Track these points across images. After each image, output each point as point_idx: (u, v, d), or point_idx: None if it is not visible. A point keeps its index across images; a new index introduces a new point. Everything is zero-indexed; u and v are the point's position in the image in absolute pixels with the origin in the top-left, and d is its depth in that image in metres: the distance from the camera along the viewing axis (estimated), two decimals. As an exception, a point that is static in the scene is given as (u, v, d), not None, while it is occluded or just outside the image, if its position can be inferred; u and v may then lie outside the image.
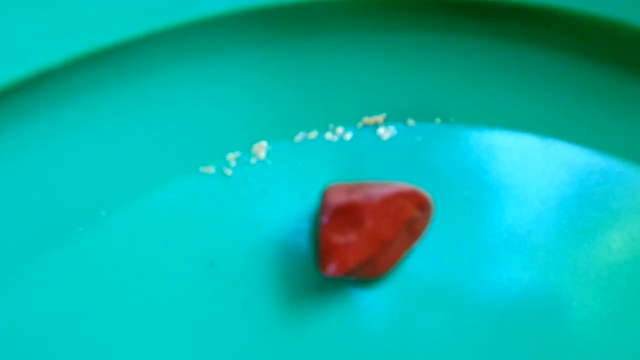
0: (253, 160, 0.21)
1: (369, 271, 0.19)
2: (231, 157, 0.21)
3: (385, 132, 0.22)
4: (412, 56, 0.23)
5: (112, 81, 0.21)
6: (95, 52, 0.20)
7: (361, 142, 0.22)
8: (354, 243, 0.18)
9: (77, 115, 0.21)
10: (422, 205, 0.19)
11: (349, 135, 0.22)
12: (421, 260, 0.20)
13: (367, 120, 0.22)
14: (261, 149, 0.21)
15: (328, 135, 0.22)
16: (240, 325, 0.19)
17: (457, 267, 0.20)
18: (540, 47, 0.22)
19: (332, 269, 0.18)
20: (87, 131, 0.21)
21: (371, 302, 0.19)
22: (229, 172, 0.21)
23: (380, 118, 0.22)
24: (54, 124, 0.21)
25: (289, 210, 0.20)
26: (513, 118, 0.22)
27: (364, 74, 0.22)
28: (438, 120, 0.22)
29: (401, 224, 0.18)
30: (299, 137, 0.22)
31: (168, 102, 0.22)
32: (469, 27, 0.22)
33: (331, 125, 0.22)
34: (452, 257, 0.20)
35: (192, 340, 0.18)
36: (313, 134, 0.22)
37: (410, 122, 0.22)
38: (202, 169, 0.21)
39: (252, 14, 0.22)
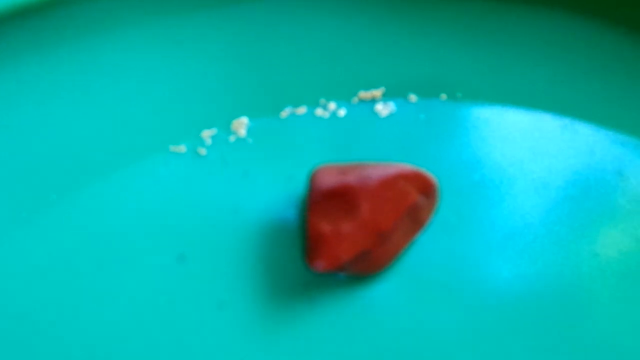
0: (232, 138, 0.21)
1: (365, 266, 0.18)
2: (206, 134, 0.21)
3: (383, 109, 0.21)
4: (414, 22, 0.22)
5: (67, 42, 0.21)
6: (47, 4, 0.20)
7: (356, 120, 0.21)
8: (347, 233, 0.17)
9: (26, 81, 0.20)
10: (426, 189, 0.18)
11: (342, 112, 0.21)
12: (424, 254, 0.19)
13: (363, 94, 0.21)
14: (241, 125, 0.21)
15: (319, 111, 0.21)
16: (215, 328, 0.18)
17: (464, 262, 0.19)
18: (564, 13, 0.22)
19: (321, 263, 0.17)
20: (38, 102, 0.20)
21: (366, 302, 0.18)
22: (203, 151, 0.21)
23: (378, 92, 0.21)
24: (2, 94, 0.20)
25: (273, 195, 0.20)
26: (527, 94, 0.21)
27: (360, 42, 0.22)
28: (443, 96, 0.21)
29: (402, 211, 0.17)
30: (285, 113, 0.21)
31: (133, 69, 0.21)
32: None
33: (322, 100, 0.21)
34: (460, 250, 0.19)
35: (159, 345, 0.18)
36: (301, 110, 0.21)
37: (412, 97, 0.21)
38: (173, 148, 0.21)
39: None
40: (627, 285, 0.18)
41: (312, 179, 0.18)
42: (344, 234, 0.17)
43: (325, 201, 0.17)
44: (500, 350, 0.17)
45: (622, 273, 0.18)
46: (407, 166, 0.18)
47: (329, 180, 0.17)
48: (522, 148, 0.20)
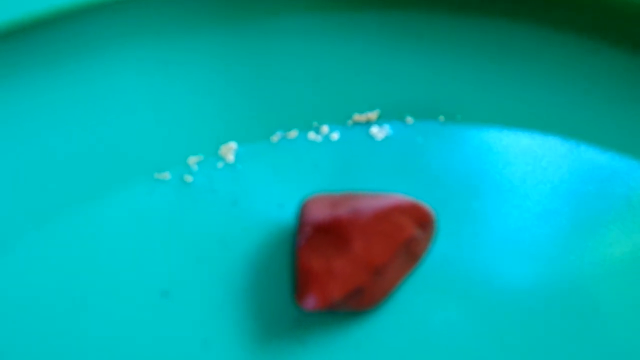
0: (220, 165, 0.21)
1: (357, 303, 0.17)
2: (193, 160, 0.21)
3: (379, 132, 0.21)
4: (411, 43, 0.22)
5: (51, 66, 0.21)
6: (28, 26, 0.20)
7: (351, 144, 0.21)
8: (338, 270, 0.17)
9: (4, 106, 0.20)
10: (423, 222, 0.18)
11: (336, 135, 0.21)
12: (420, 288, 0.19)
13: (358, 117, 0.21)
14: (230, 151, 0.21)
15: (311, 135, 0.21)
16: None
17: (463, 299, 0.19)
18: (568, 35, 0.22)
19: (311, 301, 0.17)
20: (17, 127, 0.20)
21: (359, 341, 0.18)
22: (189, 178, 0.20)
23: (373, 115, 0.21)
24: None
25: (262, 225, 0.19)
26: (529, 116, 0.21)
27: (354, 62, 0.22)
28: (441, 118, 0.21)
29: (397, 245, 0.17)
30: (275, 137, 0.21)
31: (117, 94, 0.21)
32: (478, 7, 0.22)
33: (315, 123, 0.21)
34: (458, 284, 0.19)
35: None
36: (293, 134, 0.21)
37: (409, 120, 0.21)
38: (157, 175, 0.20)
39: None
40: (635, 285, 0.18)
41: (303, 212, 0.18)
42: (335, 271, 0.17)
43: (316, 236, 0.17)
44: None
45: (630, 274, 0.19)
46: (402, 197, 0.18)
47: (319, 214, 0.17)
48: (525, 172, 0.20)
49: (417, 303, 0.18)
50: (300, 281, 0.17)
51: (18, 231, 0.19)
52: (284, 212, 0.19)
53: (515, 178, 0.20)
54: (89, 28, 0.20)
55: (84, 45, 0.20)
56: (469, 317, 0.18)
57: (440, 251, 0.19)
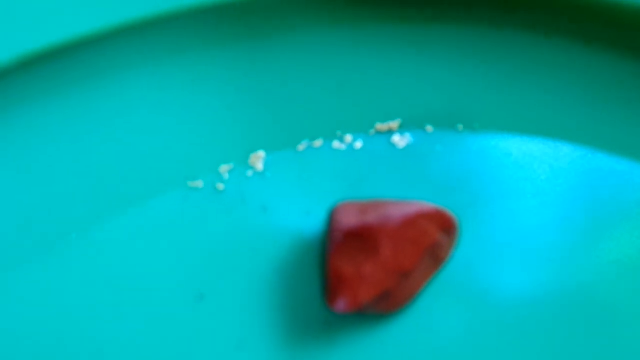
0: (249, 173, 0.21)
1: (384, 306, 0.18)
2: (224, 169, 0.21)
3: (400, 140, 0.21)
4: (431, 53, 0.22)
5: (86, 82, 0.21)
6: (68, 47, 0.20)
7: (373, 152, 0.21)
8: (368, 274, 0.17)
9: (46, 118, 0.20)
10: (447, 227, 0.18)
11: (359, 144, 0.21)
12: (444, 290, 0.19)
13: (380, 126, 0.22)
14: (259, 159, 0.21)
15: (336, 144, 0.21)
16: None
17: (485, 298, 0.19)
18: (584, 43, 0.22)
19: (342, 304, 0.17)
20: (54, 138, 0.21)
21: (385, 341, 0.19)
22: (221, 186, 0.21)
23: (394, 124, 0.22)
24: (17, 128, 0.20)
25: (291, 231, 0.20)
26: (547, 124, 0.21)
27: (376, 74, 0.22)
28: (460, 126, 0.22)
29: (423, 250, 0.18)
30: (302, 146, 0.21)
31: (150, 105, 0.21)
32: (497, 17, 0.22)
33: (339, 133, 0.21)
34: (480, 286, 0.19)
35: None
36: (318, 143, 0.21)
37: (429, 128, 0.22)
38: (191, 184, 0.21)
39: (248, 3, 0.21)
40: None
41: (332, 218, 0.18)
42: (365, 276, 0.17)
43: (346, 242, 0.17)
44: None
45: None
46: (427, 204, 0.18)
47: (349, 221, 0.18)
48: (543, 180, 0.21)
49: (440, 306, 0.19)
50: (332, 285, 0.17)
51: (57, 239, 0.19)
52: (311, 219, 0.20)
53: (532, 184, 0.21)
54: (121, 49, 0.21)
55: (118, 64, 0.21)
56: (489, 320, 0.19)
57: (461, 256, 0.19)
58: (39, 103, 0.20)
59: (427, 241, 0.18)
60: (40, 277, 0.19)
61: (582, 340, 0.18)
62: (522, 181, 0.21)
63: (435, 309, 0.19)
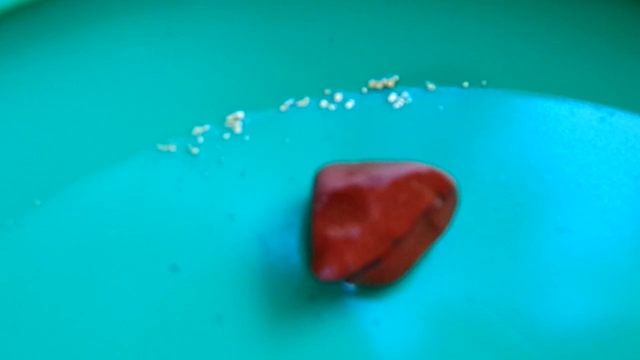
0: (226, 136, 0.22)
1: (375, 276, 0.19)
2: (198, 131, 0.22)
3: (397, 99, 0.22)
4: (432, 2, 0.22)
5: (47, 37, 0.21)
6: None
7: (366, 112, 0.22)
8: (355, 239, 0.18)
9: (4, 77, 0.21)
10: (443, 190, 0.19)
11: (350, 103, 0.22)
12: (442, 264, 0.20)
13: (374, 83, 0.22)
14: (237, 121, 0.22)
15: (323, 103, 0.22)
16: (213, 343, 0.19)
17: (487, 273, 0.20)
18: None
19: (328, 271, 0.18)
20: (16, 100, 0.21)
21: (377, 316, 0.19)
22: (195, 150, 0.21)
23: (391, 81, 0.22)
24: None
25: (273, 198, 0.21)
26: (561, 82, 0.22)
27: (369, 23, 0.22)
28: (465, 84, 0.22)
29: (417, 215, 0.18)
30: (285, 106, 0.22)
31: (117, 61, 0.22)
32: None
33: (327, 91, 0.22)
34: (483, 259, 0.20)
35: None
36: (304, 102, 0.22)
37: (430, 86, 0.22)
38: (161, 147, 0.22)
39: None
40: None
41: (317, 180, 0.19)
42: (352, 240, 0.18)
43: (332, 204, 0.18)
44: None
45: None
46: (421, 165, 0.19)
47: (335, 182, 0.18)
48: (556, 143, 0.21)
49: (438, 278, 0.19)
50: (316, 251, 0.18)
51: (22, 205, 0.20)
52: (295, 185, 0.21)
53: (542, 148, 0.21)
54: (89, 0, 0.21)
55: (86, 14, 0.21)
56: (492, 293, 0.19)
57: (463, 224, 0.20)
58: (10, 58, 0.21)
59: (421, 204, 0.18)
60: (5, 248, 0.20)
61: (596, 314, 0.19)
62: (532, 146, 0.21)
63: (433, 282, 0.19)
